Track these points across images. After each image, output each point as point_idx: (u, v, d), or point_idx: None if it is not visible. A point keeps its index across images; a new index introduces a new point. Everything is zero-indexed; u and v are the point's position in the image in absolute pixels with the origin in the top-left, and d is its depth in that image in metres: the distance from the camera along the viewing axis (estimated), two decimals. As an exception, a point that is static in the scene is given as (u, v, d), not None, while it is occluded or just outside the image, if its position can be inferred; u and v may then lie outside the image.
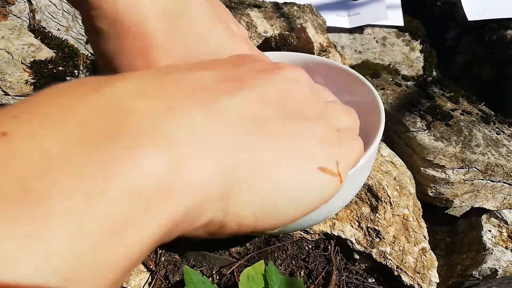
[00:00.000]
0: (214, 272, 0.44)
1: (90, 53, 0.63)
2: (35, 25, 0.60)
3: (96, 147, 0.12)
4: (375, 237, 0.46)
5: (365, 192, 0.48)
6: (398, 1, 0.82)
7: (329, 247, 0.47)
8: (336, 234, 0.47)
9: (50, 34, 0.60)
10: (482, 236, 0.55)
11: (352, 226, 0.47)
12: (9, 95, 0.54)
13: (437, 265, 0.47)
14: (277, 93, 0.19)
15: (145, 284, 0.42)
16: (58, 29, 0.62)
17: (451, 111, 0.60)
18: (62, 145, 0.11)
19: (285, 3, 0.73)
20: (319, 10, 0.76)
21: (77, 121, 0.12)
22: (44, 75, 0.54)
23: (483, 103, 0.67)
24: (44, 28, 0.60)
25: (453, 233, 0.61)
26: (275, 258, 0.45)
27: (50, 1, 0.61)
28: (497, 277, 0.52)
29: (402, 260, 0.46)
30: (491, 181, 0.56)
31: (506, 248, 0.54)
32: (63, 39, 0.60)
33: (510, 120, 0.64)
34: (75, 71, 0.57)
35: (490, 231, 0.56)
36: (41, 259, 0.10)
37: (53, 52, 0.56)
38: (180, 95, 0.15)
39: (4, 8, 0.58)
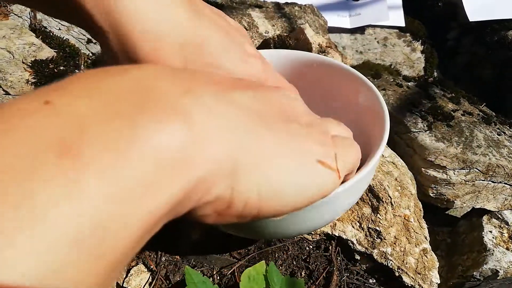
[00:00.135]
0: (214, 273, 0.44)
1: (91, 52, 0.63)
2: (36, 25, 0.60)
3: (125, 115, 0.13)
4: (376, 238, 0.46)
5: (366, 193, 0.47)
6: (399, 2, 0.82)
7: (330, 248, 0.47)
8: (337, 235, 0.47)
9: (51, 34, 0.60)
10: (483, 237, 0.55)
11: (353, 227, 0.47)
12: (9, 94, 0.54)
13: (438, 266, 0.47)
14: (278, 102, 0.21)
15: (145, 284, 0.42)
16: (59, 29, 0.62)
17: (452, 112, 0.60)
18: (97, 111, 0.13)
19: (287, 4, 0.73)
20: (321, 10, 0.76)
21: (108, 94, 0.14)
22: (45, 75, 0.54)
23: (484, 104, 0.67)
24: (45, 27, 0.60)
25: (454, 234, 0.61)
26: (275, 258, 0.45)
27: (51, 1, 0.60)
28: (498, 278, 0.52)
29: (403, 261, 0.46)
30: (492, 182, 0.55)
31: (507, 249, 0.54)
32: (64, 38, 0.60)
33: (511, 121, 0.64)
34: (76, 70, 0.57)
35: (491, 232, 0.56)
36: (78, 204, 0.11)
37: (54, 51, 0.56)
38: (195, 83, 0.17)
39: (5, 7, 0.58)
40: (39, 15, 0.60)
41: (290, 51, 0.43)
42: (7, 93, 0.54)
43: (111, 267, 0.12)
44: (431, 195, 0.57)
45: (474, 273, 0.53)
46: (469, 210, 0.61)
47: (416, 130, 0.56)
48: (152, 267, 0.43)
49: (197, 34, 0.24)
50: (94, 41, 0.63)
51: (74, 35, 0.63)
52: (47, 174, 0.11)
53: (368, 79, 0.39)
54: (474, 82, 0.80)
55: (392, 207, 0.47)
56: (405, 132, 0.57)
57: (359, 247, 0.46)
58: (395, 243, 0.46)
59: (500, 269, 0.52)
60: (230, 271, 0.44)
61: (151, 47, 0.22)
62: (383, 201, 0.47)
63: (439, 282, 0.46)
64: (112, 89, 0.14)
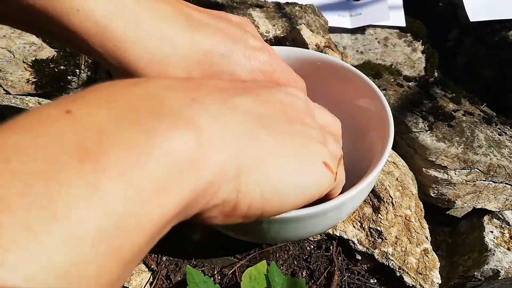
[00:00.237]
0: (215, 272, 0.43)
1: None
2: (36, 24, 0.60)
3: (139, 123, 0.15)
4: (377, 238, 0.46)
5: (367, 193, 0.47)
6: (400, 2, 0.81)
7: (331, 248, 0.47)
8: (338, 235, 0.46)
9: (51, 33, 0.59)
10: (484, 237, 0.55)
11: (354, 227, 0.47)
12: (10, 94, 0.54)
13: (439, 266, 0.47)
14: (279, 102, 0.22)
15: (146, 284, 0.42)
16: (60, 28, 0.61)
17: (453, 112, 0.60)
18: (113, 120, 0.14)
19: (287, 3, 0.73)
20: (321, 10, 0.76)
21: (123, 104, 0.15)
22: (46, 74, 0.54)
23: (485, 104, 0.67)
24: (46, 27, 0.60)
25: (455, 234, 0.61)
26: (276, 258, 0.45)
27: (52, 0, 0.60)
28: (499, 278, 0.52)
29: (404, 261, 0.46)
30: (493, 182, 0.55)
31: (508, 249, 0.54)
32: (64, 38, 0.60)
33: (512, 121, 0.64)
34: (77, 70, 0.57)
35: (492, 232, 0.56)
36: (98, 206, 0.12)
37: (55, 51, 0.56)
38: (200, 92, 0.18)
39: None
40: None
41: (293, 48, 0.43)
42: (7, 93, 0.54)
43: (124, 265, 0.13)
44: (432, 195, 0.57)
45: (475, 273, 0.53)
46: (470, 210, 0.61)
47: (417, 130, 0.56)
48: (153, 266, 0.43)
49: (197, 49, 0.25)
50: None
51: (75, 34, 0.63)
52: (70, 178, 0.12)
53: (370, 79, 0.39)
54: (474, 82, 0.80)
55: (393, 207, 0.47)
56: (406, 132, 0.57)
57: (360, 247, 0.46)
58: (396, 243, 0.46)
59: (501, 269, 0.52)
60: (231, 271, 0.43)
61: (156, 74, 0.24)
62: (384, 201, 0.47)
63: (440, 282, 0.46)
64: (127, 99, 0.15)
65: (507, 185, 0.56)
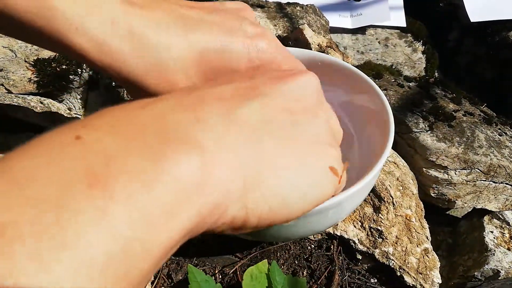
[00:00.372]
0: (217, 271, 0.44)
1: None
2: (38, 24, 0.60)
3: (146, 148, 0.15)
4: (378, 238, 0.46)
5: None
6: (401, 2, 0.82)
7: (331, 247, 0.47)
8: (339, 234, 0.47)
9: (53, 33, 0.60)
10: (484, 237, 0.55)
11: (355, 226, 0.47)
12: (12, 93, 0.54)
13: (439, 265, 0.47)
14: (286, 100, 0.22)
15: (147, 283, 0.42)
16: (61, 28, 0.62)
17: (453, 112, 0.60)
18: (121, 145, 0.15)
19: (288, 4, 0.73)
20: (322, 10, 0.76)
21: (130, 129, 0.15)
22: (47, 74, 0.54)
23: (485, 104, 0.67)
24: (47, 26, 0.60)
25: (455, 234, 0.61)
26: (277, 257, 0.46)
27: (54, 0, 0.60)
28: (499, 278, 0.52)
29: (404, 261, 0.46)
30: (494, 182, 0.56)
31: (508, 249, 0.54)
32: (66, 37, 0.60)
33: (512, 122, 0.64)
34: (78, 69, 0.57)
35: (492, 232, 0.56)
36: (106, 232, 0.12)
37: (57, 50, 0.56)
38: (204, 110, 0.18)
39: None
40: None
41: (293, 48, 0.43)
42: (9, 92, 0.54)
43: None
44: (432, 195, 0.57)
45: (476, 273, 0.53)
46: (470, 210, 0.61)
47: (418, 130, 0.56)
48: (154, 266, 0.43)
49: (193, 49, 0.25)
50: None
51: (76, 34, 0.63)
52: (79, 204, 0.12)
53: (371, 79, 0.39)
54: (475, 82, 0.80)
55: (393, 207, 0.47)
56: (407, 132, 0.57)
57: (360, 247, 0.46)
58: (396, 243, 0.46)
59: (501, 269, 0.52)
60: (232, 270, 0.44)
61: (156, 83, 0.25)
62: (384, 201, 0.47)
63: (440, 282, 0.46)
64: (134, 123, 0.16)
65: (507, 185, 0.56)
